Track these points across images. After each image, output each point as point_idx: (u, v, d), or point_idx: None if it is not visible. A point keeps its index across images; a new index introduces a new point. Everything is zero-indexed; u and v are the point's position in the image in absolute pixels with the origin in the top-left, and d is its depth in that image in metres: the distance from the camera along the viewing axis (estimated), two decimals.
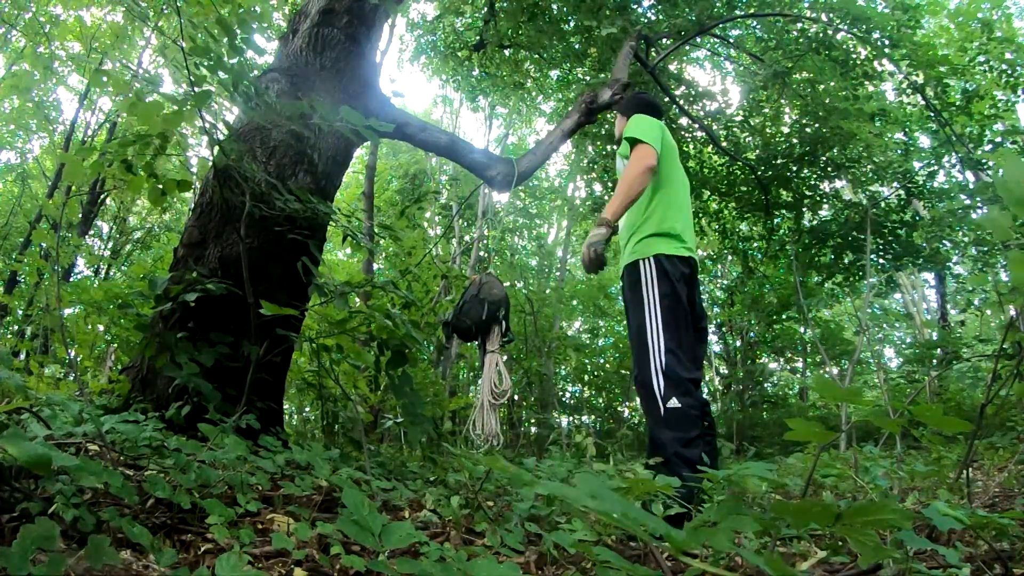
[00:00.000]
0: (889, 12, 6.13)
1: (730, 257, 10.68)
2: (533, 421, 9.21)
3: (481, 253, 12.81)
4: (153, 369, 2.32)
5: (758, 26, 7.04)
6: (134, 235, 15.06)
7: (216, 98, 2.23)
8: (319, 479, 1.65)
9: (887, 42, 5.98)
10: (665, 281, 2.28)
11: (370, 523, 0.98)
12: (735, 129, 7.66)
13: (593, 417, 12.31)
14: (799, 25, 6.47)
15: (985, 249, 7.34)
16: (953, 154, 6.90)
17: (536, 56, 7.63)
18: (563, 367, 10.98)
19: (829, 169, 7.27)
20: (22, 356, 5.96)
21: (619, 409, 12.34)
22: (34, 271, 4.66)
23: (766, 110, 7.62)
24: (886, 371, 9.04)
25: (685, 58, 7.70)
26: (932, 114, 6.41)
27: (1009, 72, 7.00)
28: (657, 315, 2.24)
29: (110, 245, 14.44)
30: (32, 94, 11.06)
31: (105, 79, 2.17)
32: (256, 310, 2.22)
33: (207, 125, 2.14)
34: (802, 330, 12.47)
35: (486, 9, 7.17)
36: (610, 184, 8.11)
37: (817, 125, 6.73)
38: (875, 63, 6.33)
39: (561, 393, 11.37)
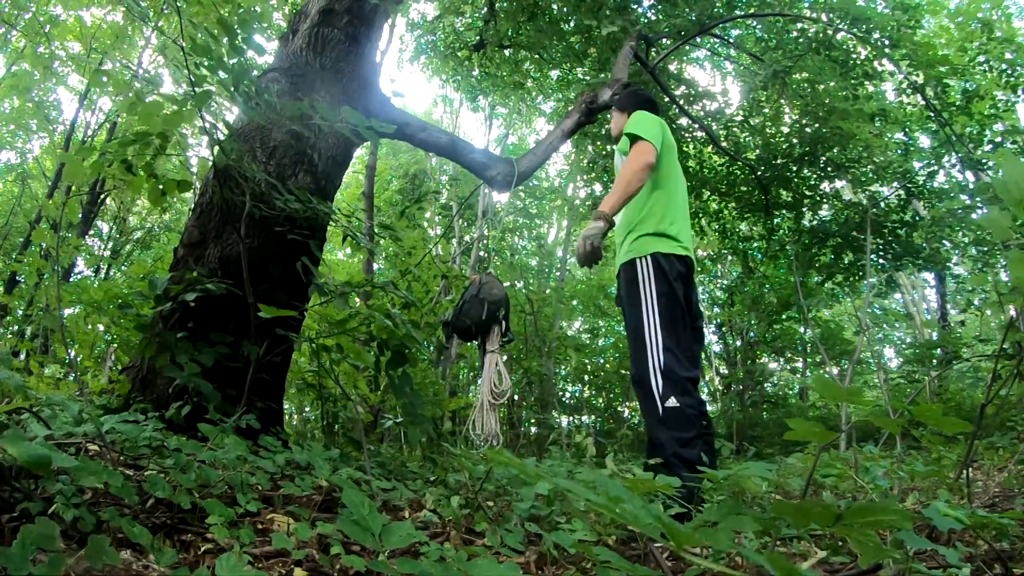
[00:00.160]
0: (889, 12, 6.13)
1: (730, 257, 10.68)
2: (533, 421, 9.21)
3: (481, 253, 12.81)
4: (153, 369, 2.32)
5: (758, 26, 7.04)
6: (134, 235, 15.07)
7: (216, 98, 2.23)
8: (319, 479, 1.65)
9: (887, 42, 5.98)
10: (662, 280, 2.27)
11: (370, 523, 0.98)
12: (735, 129, 7.66)
13: (593, 417, 12.31)
14: (799, 25, 6.47)
15: (985, 249, 7.35)
16: (953, 154, 6.90)
17: (536, 56, 7.63)
18: (563, 367, 10.98)
19: (829, 169, 7.27)
20: (22, 356, 5.96)
21: (619, 409, 12.34)
22: (34, 271, 4.66)
23: (766, 110, 7.62)
24: (886, 371, 9.04)
25: (685, 58, 7.70)
26: (932, 114, 6.41)
27: (1009, 72, 7.00)
28: (655, 314, 2.24)
29: (110, 245, 14.44)
30: (32, 94, 11.06)
31: (105, 79, 2.16)
32: (256, 310, 2.23)
33: (207, 125, 2.14)
34: (802, 330, 12.48)
35: (486, 9, 7.17)
36: (610, 184, 8.10)
37: (817, 125, 6.73)
38: (875, 63, 6.33)
39: (561, 393, 11.37)
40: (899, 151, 7.55)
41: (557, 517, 1.69)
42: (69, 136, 11.27)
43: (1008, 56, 7.18)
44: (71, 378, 4.42)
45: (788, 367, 13.93)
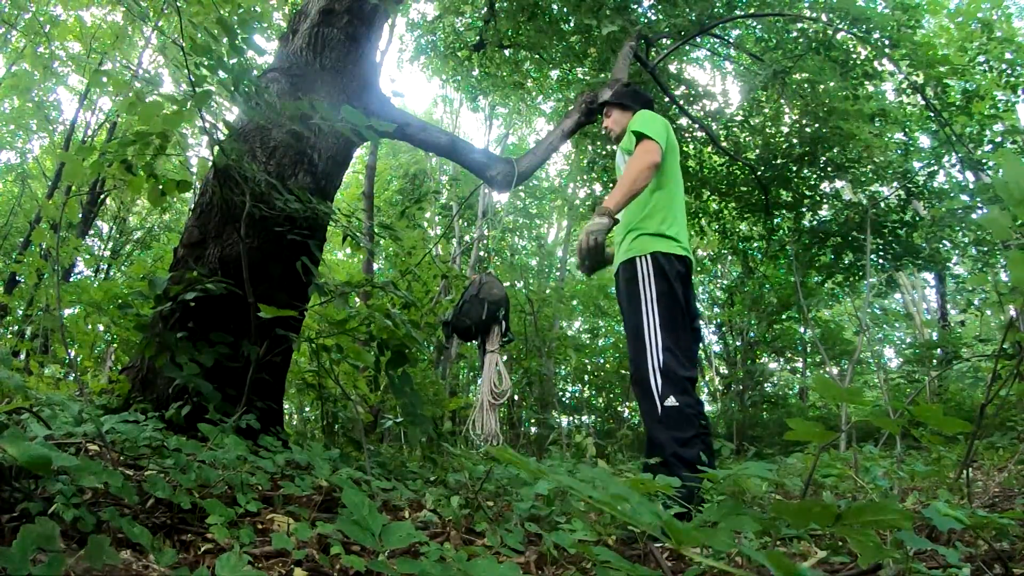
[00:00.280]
0: (889, 12, 6.13)
1: (730, 257, 10.68)
2: (533, 421, 9.21)
3: (481, 253, 12.81)
4: (153, 369, 2.32)
5: (758, 26, 7.04)
6: (134, 235, 15.07)
7: (216, 98, 2.23)
8: (319, 479, 1.65)
9: (887, 42, 5.98)
10: (662, 279, 2.27)
11: (370, 523, 0.98)
12: (735, 129, 7.66)
13: (593, 417, 12.31)
14: (799, 25, 6.47)
15: (985, 249, 7.35)
16: (953, 154, 6.90)
17: (536, 56, 7.63)
18: (563, 367, 10.98)
19: (829, 169, 7.27)
20: (22, 356, 5.96)
21: (619, 409, 12.33)
22: (33, 271, 4.66)
23: (766, 110, 7.62)
24: (886, 371, 9.04)
25: (685, 58, 7.70)
26: (932, 114, 6.41)
27: (1009, 72, 7.00)
28: (654, 313, 2.23)
29: (110, 245, 14.44)
30: (32, 94, 11.06)
31: (105, 79, 2.16)
32: (256, 310, 2.22)
33: (207, 125, 2.14)
34: (802, 330, 12.48)
35: (486, 9, 7.17)
36: (610, 184, 8.11)
37: (817, 125, 6.73)
38: (875, 63, 6.33)
39: (561, 393, 11.37)
40: (899, 151, 7.55)
41: (557, 517, 1.69)
42: (69, 136, 11.28)
43: (1008, 56, 7.18)
44: (71, 378, 4.42)
45: (788, 367, 13.93)
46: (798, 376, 13.46)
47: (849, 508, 0.72)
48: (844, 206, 7.78)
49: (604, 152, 7.81)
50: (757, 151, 7.68)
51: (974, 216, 6.83)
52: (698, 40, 6.86)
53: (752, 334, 13.06)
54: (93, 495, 1.27)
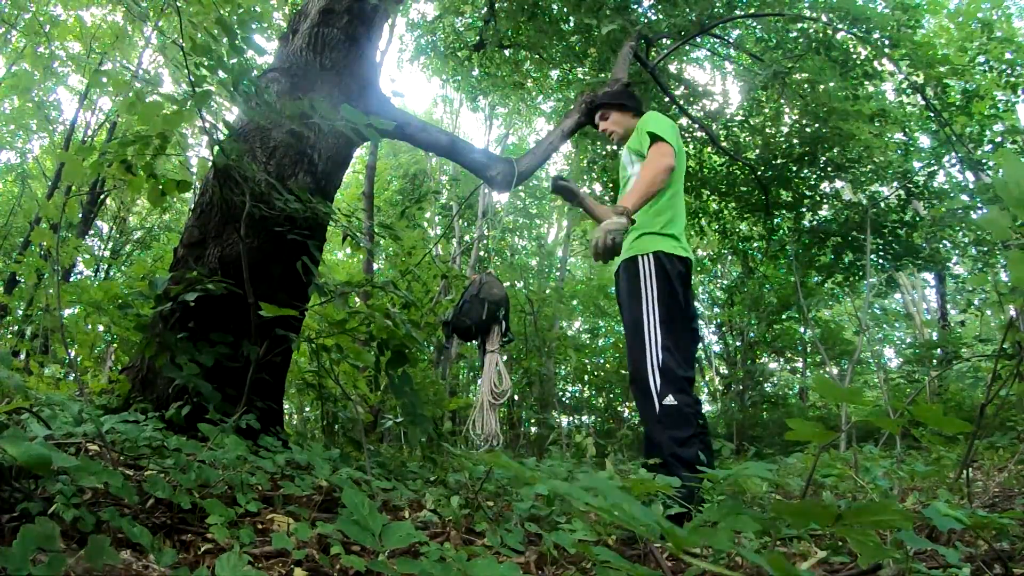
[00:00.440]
0: (889, 12, 6.12)
1: (730, 257, 10.68)
2: (533, 421, 9.21)
3: (481, 253, 12.81)
4: (153, 369, 2.32)
5: (758, 26, 7.04)
6: (134, 235, 15.06)
7: (216, 98, 2.23)
8: (319, 479, 1.65)
9: (887, 42, 5.97)
10: (664, 278, 2.29)
11: (370, 523, 0.98)
12: (735, 129, 7.66)
13: (593, 417, 12.31)
14: (799, 25, 6.47)
15: (985, 249, 7.34)
16: (953, 154, 6.90)
17: (536, 56, 7.63)
18: (563, 367, 10.98)
19: (829, 169, 7.27)
20: (22, 356, 5.96)
21: (619, 409, 12.33)
22: (32, 271, 4.66)
23: (766, 110, 7.62)
24: (886, 371, 9.04)
25: (685, 58, 7.70)
26: (932, 114, 6.41)
27: (1009, 72, 7.00)
28: (655, 311, 2.25)
29: (110, 245, 14.43)
30: (32, 94, 11.06)
31: (105, 79, 2.16)
32: (256, 310, 2.22)
33: (207, 125, 2.14)
34: (802, 330, 12.48)
35: (486, 9, 7.17)
36: (610, 184, 8.11)
37: (817, 125, 6.73)
38: (875, 63, 6.32)
39: (561, 393, 11.36)
40: (899, 151, 7.55)
41: (557, 517, 1.69)
42: (69, 136, 11.27)
43: (1008, 56, 7.17)
44: (71, 378, 4.42)
45: (788, 367, 13.93)
46: (798, 376, 13.46)
47: (849, 508, 0.72)
48: (844, 206, 7.78)
49: (604, 152, 7.81)
50: (757, 151, 7.68)
51: (974, 216, 6.83)
52: (698, 40, 6.85)
53: (752, 334, 13.05)
54: (93, 495, 1.27)
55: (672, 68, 7.33)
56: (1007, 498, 2.34)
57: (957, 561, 1.21)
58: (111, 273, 13.64)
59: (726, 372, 13.68)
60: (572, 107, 4.04)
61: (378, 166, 11.43)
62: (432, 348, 8.29)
